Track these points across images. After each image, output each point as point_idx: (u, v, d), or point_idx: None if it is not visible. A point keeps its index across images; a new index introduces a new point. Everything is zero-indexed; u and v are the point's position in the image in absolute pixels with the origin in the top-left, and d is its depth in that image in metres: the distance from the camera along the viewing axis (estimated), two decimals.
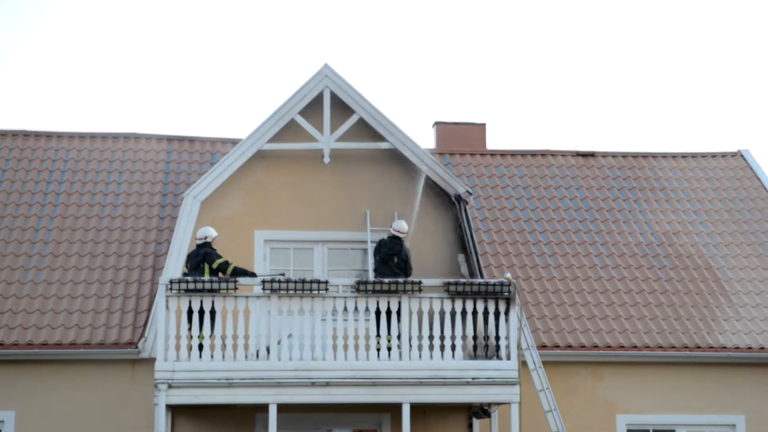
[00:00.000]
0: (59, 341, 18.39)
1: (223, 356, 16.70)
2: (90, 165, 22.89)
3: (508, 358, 17.11)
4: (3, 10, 47.27)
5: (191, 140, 24.00)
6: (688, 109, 48.97)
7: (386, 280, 17.02)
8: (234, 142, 23.56)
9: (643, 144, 47.32)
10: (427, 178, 20.01)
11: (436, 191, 20.14)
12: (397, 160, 20.16)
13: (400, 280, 17.03)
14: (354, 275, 19.59)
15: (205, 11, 49.14)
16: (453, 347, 17.14)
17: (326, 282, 16.93)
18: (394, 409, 17.65)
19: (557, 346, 19.28)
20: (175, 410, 17.84)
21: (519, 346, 17.27)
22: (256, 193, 19.89)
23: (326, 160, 19.86)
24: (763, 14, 48.05)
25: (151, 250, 20.52)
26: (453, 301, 17.12)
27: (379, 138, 19.97)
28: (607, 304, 20.40)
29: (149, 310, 18.93)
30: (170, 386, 16.53)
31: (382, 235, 18.76)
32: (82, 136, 23.85)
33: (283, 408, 16.96)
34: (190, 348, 16.82)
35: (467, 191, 20.03)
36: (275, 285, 16.77)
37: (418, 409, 18.05)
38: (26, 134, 23.73)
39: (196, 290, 16.68)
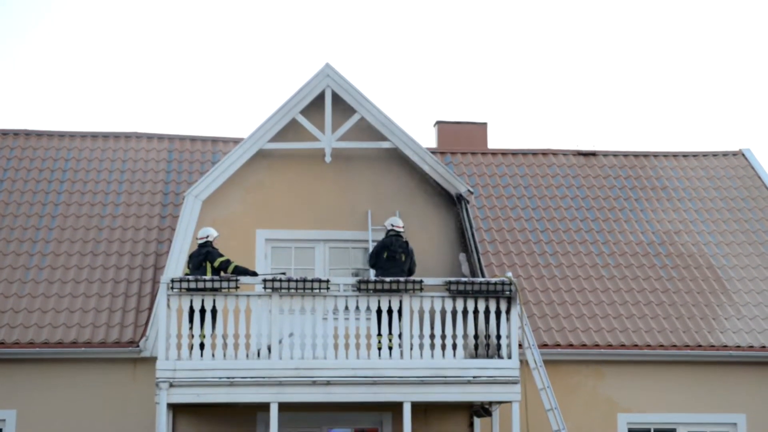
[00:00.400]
0: (60, 340, 18.40)
1: (225, 355, 16.70)
2: (91, 164, 22.90)
3: (509, 357, 17.11)
4: (4, 10, 47.28)
5: (192, 139, 24.02)
6: (689, 109, 48.98)
7: (387, 279, 17.02)
8: (235, 141, 23.57)
9: (645, 143, 47.33)
10: (429, 178, 20.02)
11: (437, 190, 20.15)
12: (399, 160, 20.17)
13: (402, 279, 17.03)
14: (355, 274, 19.59)
15: (207, 11, 49.16)
16: (454, 346, 17.14)
17: (327, 281, 16.94)
18: (395, 408, 17.65)
19: (558, 345, 19.29)
20: (176, 409, 17.86)
21: (520, 345, 17.28)
22: (258, 192, 19.89)
23: (327, 159, 19.86)
24: (764, 14, 48.04)
25: (153, 249, 20.54)
26: (454, 300, 17.13)
27: (381, 137, 19.97)
28: (608, 303, 20.41)
29: (150, 309, 18.94)
30: (171, 385, 16.53)
31: (383, 235, 18.74)
32: (83, 136, 23.86)
33: (284, 407, 16.96)
34: (191, 347, 16.83)
35: (468, 190, 20.03)
36: (276, 284, 16.77)
37: (419, 408, 18.06)
38: (27, 134, 23.75)
39: (197, 289, 16.68)
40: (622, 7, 49.00)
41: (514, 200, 23.09)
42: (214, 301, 16.73)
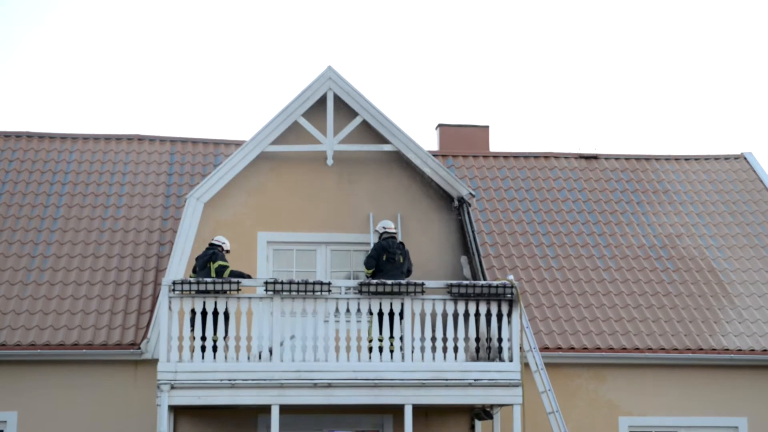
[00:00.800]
0: (62, 342, 18.41)
1: (226, 357, 16.71)
2: (93, 166, 22.92)
3: (511, 360, 17.11)
4: (5, 11, 47.33)
5: (194, 142, 24.04)
6: (691, 112, 48.97)
7: (389, 282, 17.03)
8: (237, 144, 23.60)
9: (646, 146, 47.37)
10: (431, 181, 20.02)
11: (439, 193, 20.15)
12: (400, 162, 20.17)
13: (403, 282, 17.04)
14: (355, 277, 19.59)
15: (209, 13, 49.19)
16: (455, 349, 17.14)
17: (329, 283, 16.94)
18: (396, 410, 17.66)
19: (559, 348, 19.29)
20: (177, 411, 17.86)
21: (521, 348, 17.27)
22: (259, 194, 19.90)
23: (329, 162, 19.87)
24: (764, 17, 48.04)
25: (154, 252, 20.55)
26: (456, 303, 17.13)
27: (382, 140, 19.98)
28: (609, 306, 20.41)
29: (152, 311, 18.95)
30: (173, 387, 16.54)
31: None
32: (85, 138, 23.89)
33: (285, 409, 16.97)
34: (192, 349, 16.84)
35: (470, 193, 20.03)
36: (278, 286, 16.78)
37: (420, 411, 18.06)
38: (29, 135, 23.78)
39: (198, 291, 16.69)
40: (624, 11, 49.03)
41: (515, 203, 23.10)
42: (215, 303, 16.74)
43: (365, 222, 19.86)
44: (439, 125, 25.36)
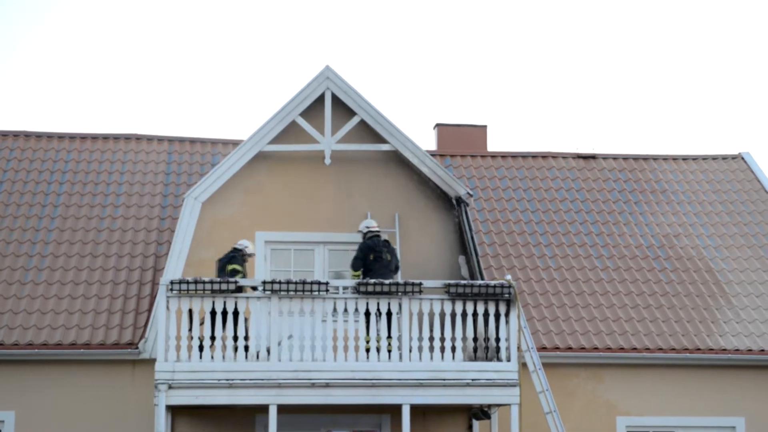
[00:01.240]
0: (59, 341, 18.40)
1: (224, 357, 16.71)
2: (91, 166, 22.91)
3: (508, 359, 17.12)
4: (3, 10, 47.30)
5: (192, 141, 24.03)
6: (688, 112, 48.99)
7: (387, 281, 17.04)
8: (235, 143, 23.58)
9: (644, 146, 47.37)
10: (428, 180, 20.02)
11: (436, 193, 20.15)
12: (398, 162, 20.17)
13: (401, 281, 17.05)
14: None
15: (207, 12, 49.18)
16: (453, 349, 17.15)
17: (327, 283, 16.94)
18: (394, 410, 17.66)
19: (557, 348, 19.29)
20: (175, 411, 17.86)
21: (519, 348, 17.28)
22: (257, 194, 19.89)
23: (327, 161, 19.87)
24: (763, 17, 48.06)
25: (152, 251, 20.55)
26: (453, 303, 17.13)
27: (380, 140, 19.98)
28: (607, 306, 20.41)
29: (150, 310, 18.95)
30: (170, 387, 16.54)
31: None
32: (83, 137, 23.88)
33: (283, 409, 16.97)
34: (190, 348, 16.83)
35: (468, 193, 20.03)
36: (276, 286, 16.78)
37: (417, 411, 18.06)
38: (27, 135, 23.76)
39: (196, 291, 16.69)
40: (622, 11, 49.03)
41: (513, 203, 23.10)
42: (213, 302, 16.74)
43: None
44: (437, 125, 25.36)
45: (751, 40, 49.55)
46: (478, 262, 19.43)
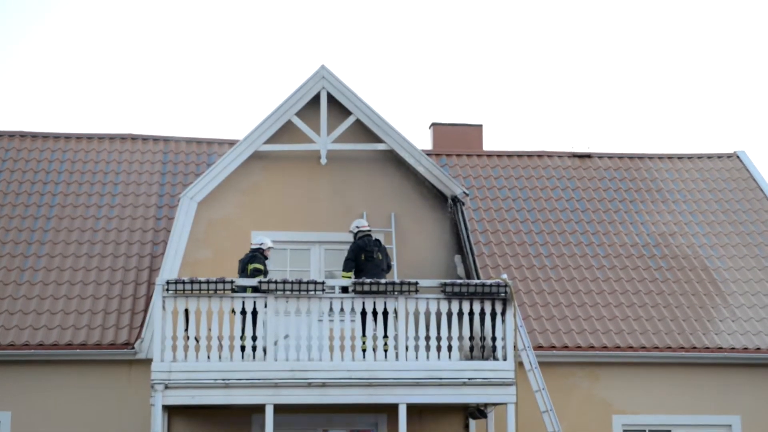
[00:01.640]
0: (56, 342, 18.39)
1: (220, 357, 16.71)
2: (87, 166, 22.89)
3: (505, 358, 17.12)
4: (2, 11, 47.26)
5: (188, 141, 24.01)
6: (684, 111, 49.04)
7: (383, 281, 17.04)
8: (231, 143, 23.57)
9: (640, 145, 47.42)
10: (424, 180, 20.03)
11: (432, 192, 20.16)
12: (394, 161, 20.18)
13: (397, 281, 17.04)
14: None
15: (203, 12, 49.16)
16: (449, 348, 17.15)
17: (323, 283, 16.94)
18: (391, 409, 17.66)
19: (553, 347, 19.30)
20: (171, 411, 17.86)
21: (515, 347, 17.29)
22: (253, 194, 19.89)
23: (323, 161, 19.87)
24: (760, 15, 48.13)
25: (148, 251, 20.54)
26: (449, 302, 17.13)
27: (376, 139, 19.99)
28: (603, 305, 20.43)
29: (146, 310, 18.94)
30: (167, 387, 16.53)
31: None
32: (78, 137, 23.86)
33: (279, 409, 16.96)
34: (186, 348, 16.83)
35: (464, 192, 20.04)
36: (272, 285, 16.77)
37: (414, 410, 18.06)
38: (22, 135, 23.73)
39: (192, 291, 16.68)
40: (617, 10, 49.08)
41: (509, 202, 23.11)
42: (209, 302, 16.73)
43: None
44: (433, 124, 25.36)
45: (746, 39, 49.63)
46: (474, 261, 19.43)
